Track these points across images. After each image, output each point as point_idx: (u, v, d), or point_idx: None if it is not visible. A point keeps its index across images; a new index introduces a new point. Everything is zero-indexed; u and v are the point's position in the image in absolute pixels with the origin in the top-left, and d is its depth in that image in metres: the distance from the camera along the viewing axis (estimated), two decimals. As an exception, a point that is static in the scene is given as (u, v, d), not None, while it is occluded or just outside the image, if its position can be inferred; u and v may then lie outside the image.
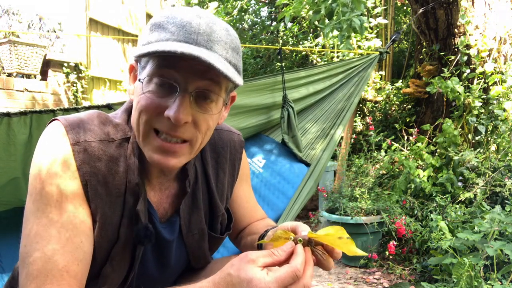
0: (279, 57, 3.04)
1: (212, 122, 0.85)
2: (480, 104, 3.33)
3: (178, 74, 0.77)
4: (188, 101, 0.78)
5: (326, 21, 2.72)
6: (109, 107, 1.65)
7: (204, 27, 0.77)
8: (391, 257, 3.03)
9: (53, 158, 0.80)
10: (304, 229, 0.78)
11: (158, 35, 0.77)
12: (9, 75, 4.67)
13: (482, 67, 3.44)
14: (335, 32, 2.68)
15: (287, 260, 0.70)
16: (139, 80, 0.81)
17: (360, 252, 0.74)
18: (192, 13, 0.79)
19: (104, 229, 0.83)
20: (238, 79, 0.80)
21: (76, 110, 1.57)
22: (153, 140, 0.81)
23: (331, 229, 0.75)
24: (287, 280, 0.67)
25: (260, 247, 0.98)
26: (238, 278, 0.67)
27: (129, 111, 0.91)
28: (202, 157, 1.00)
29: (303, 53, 5.52)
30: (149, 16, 7.12)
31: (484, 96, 3.36)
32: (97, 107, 1.66)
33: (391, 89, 4.82)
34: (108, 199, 0.83)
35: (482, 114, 3.38)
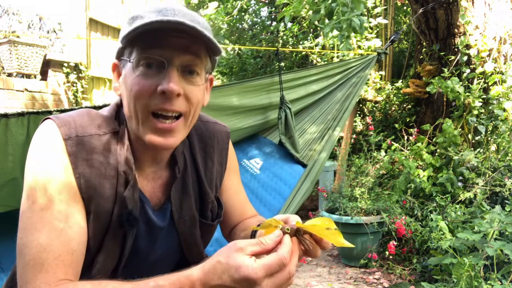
0: (278, 57, 3.05)
1: (200, 95, 0.90)
2: (480, 104, 3.32)
3: (163, 51, 0.83)
4: (177, 73, 0.84)
5: (326, 21, 2.71)
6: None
7: (178, 12, 0.84)
8: (391, 257, 3.02)
9: (46, 153, 0.83)
10: (294, 219, 0.80)
11: (138, 22, 0.82)
12: (9, 75, 4.67)
13: (482, 67, 3.44)
14: (335, 32, 2.68)
15: (274, 249, 0.73)
16: (129, 61, 0.86)
17: (347, 244, 0.76)
18: (165, 3, 0.86)
19: (98, 219, 0.86)
20: (219, 48, 0.86)
21: (72, 110, 1.58)
22: (151, 123, 0.85)
23: (318, 220, 0.77)
24: (274, 267, 0.70)
25: (254, 236, 1.00)
26: (227, 265, 0.71)
27: (117, 106, 0.96)
28: (190, 146, 1.04)
29: (303, 53, 5.51)
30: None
31: (484, 96, 3.35)
32: (94, 108, 1.67)
33: (391, 89, 4.82)
34: (101, 190, 0.86)
35: (482, 114, 3.38)
